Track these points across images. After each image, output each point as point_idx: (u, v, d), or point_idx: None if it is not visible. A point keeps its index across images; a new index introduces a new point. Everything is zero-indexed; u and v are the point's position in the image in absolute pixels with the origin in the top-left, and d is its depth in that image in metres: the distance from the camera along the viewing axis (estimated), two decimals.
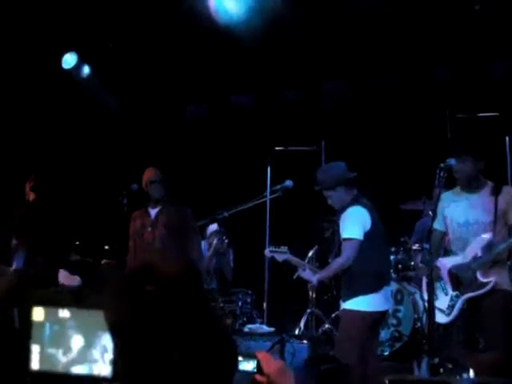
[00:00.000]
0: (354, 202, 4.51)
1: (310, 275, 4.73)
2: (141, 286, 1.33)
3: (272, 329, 5.70)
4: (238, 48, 7.21)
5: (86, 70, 8.03)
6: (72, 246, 7.25)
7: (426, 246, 4.04)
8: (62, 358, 2.22)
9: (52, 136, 8.41)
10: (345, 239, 4.45)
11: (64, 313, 2.25)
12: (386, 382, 3.34)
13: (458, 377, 4.23)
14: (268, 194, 5.60)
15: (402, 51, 7.31)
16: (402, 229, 6.68)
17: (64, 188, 7.64)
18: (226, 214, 5.19)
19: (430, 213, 4.59)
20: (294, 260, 4.90)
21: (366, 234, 4.42)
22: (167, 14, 7.08)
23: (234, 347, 1.38)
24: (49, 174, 7.03)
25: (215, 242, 6.60)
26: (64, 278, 5.42)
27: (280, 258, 4.92)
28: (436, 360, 3.89)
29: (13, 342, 2.14)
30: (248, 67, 7.75)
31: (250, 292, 6.92)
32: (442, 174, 4.06)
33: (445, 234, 4.56)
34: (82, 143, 8.59)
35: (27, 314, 2.22)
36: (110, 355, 2.18)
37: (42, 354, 2.23)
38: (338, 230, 4.56)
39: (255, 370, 1.71)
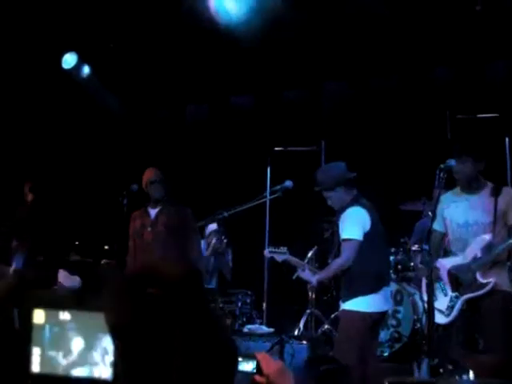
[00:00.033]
0: (354, 202, 4.50)
1: (310, 276, 4.72)
2: (142, 288, 1.33)
3: (271, 329, 5.70)
4: (238, 48, 7.20)
5: (86, 70, 8.03)
6: (72, 246, 7.26)
7: (426, 246, 4.04)
8: (63, 361, 2.22)
9: (52, 136, 8.41)
10: (344, 240, 4.44)
11: (65, 315, 2.25)
12: (386, 383, 3.34)
13: (457, 378, 4.24)
14: (268, 195, 5.59)
15: (402, 51, 7.31)
16: (402, 229, 6.67)
17: (63, 188, 7.65)
18: (225, 214, 5.18)
19: (430, 213, 4.59)
20: (294, 260, 4.90)
21: (366, 235, 4.41)
22: (167, 14, 7.08)
23: (234, 348, 1.38)
24: (47, 174, 7.03)
25: (214, 241, 6.60)
26: (64, 278, 5.42)
27: (279, 258, 4.92)
28: (435, 361, 3.88)
29: (13, 344, 2.14)
30: (248, 67, 7.74)
31: (249, 292, 6.92)
32: (441, 174, 4.06)
33: (444, 234, 4.55)
34: (81, 143, 8.59)
35: (28, 316, 2.21)
36: (110, 357, 2.18)
37: (43, 356, 2.23)
38: (337, 231, 4.56)
39: (255, 371, 1.71)
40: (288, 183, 5.23)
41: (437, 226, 4.42)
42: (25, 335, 2.20)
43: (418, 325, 6.01)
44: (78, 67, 7.94)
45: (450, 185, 4.43)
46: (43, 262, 5.76)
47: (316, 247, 6.60)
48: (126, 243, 5.62)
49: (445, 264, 4.43)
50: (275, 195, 5.33)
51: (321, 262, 6.38)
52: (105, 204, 7.57)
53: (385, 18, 6.76)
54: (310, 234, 6.99)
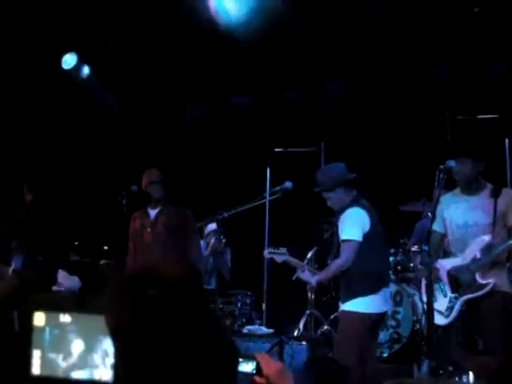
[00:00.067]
0: (353, 203, 4.50)
1: (309, 276, 4.72)
2: (142, 289, 1.33)
3: (271, 330, 5.70)
4: (238, 48, 7.20)
5: (86, 70, 8.04)
6: (71, 246, 7.26)
7: (425, 247, 4.04)
8: (62, 363, 2.22)
9: (52, 136, 8.41)
10: (343, 240, 4.44)
11: (65, 317, 2.24)
12: None
13: (457, 379, 4.24)
14: (267, 196, 5.59)
15: (402, 51, 7.31)
16: (402, 230, 6.68)
17: (63, 189, 7.65)
18: (225, 215, 5.18)
19: (430, 214, 4.59)
20: (293, 261, 4.90)
21: (365, 236, 4.41)
22: (167, 14, 7.08)
23: (234, 349, 1.38)
24: (47, 174, 7.04)
25: (213, 241, 6.61)
26: (63, 278, 5.42)
27: (279, 259, 4.92)
28: (434, 362, 3.88)
29: (13, 346, 2.13)
30: (248, 68, 7.74)
31: (249, 293, 6.92)
32: (441, 175, 4.06)
33: (444, 235, 4.55)
34: (81, 144, 8.60)
35: (28, 319, 2.21)
36: (111, 360, 2.17)
37: (43, 358, 2.22)
38: (336, 232, 4.55)
39: (254, 372, 1.70)
40: (288, 184, 5.23)
41: (436, 226, 4.42)
42: (25, 338, 2.19)
43: (418, 326, 6.01)
44: (77, 67, 7.94)
45: (450, 186, 4.44)
46: (42, 262, 5.77)
47: (315, 248, 6.60)
48: (125, 244, 5.61)
49: (444, 265, 4.43)
50: (275, 196, 5.33)
51: (320, 263, 6.38)
52: (104, 204, 7.57)
53: (385, 18, 6.76)
54: (309, 234, 6.99)
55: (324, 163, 6.95)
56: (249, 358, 1.79)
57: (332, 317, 6.19)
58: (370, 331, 4.47)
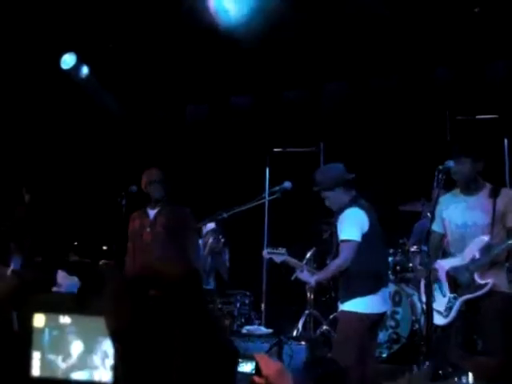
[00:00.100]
0: (352, 203, 4.49)
1: (308, 276, 4.71)
2: (142, 290, 1.32)
3: (270, 330, 5.70)
4: (238, 49, 7.20)
5: (85, 70, 8.03)
6: (70, 246, 7.27)
7: (425, 247, 4.03)
8: (62, 364, 2.22)
9: (51, 137, 8.41)
10: (342, 241, 4.43)
11: (65, 319, 2.24)
12: None
13: (456, 379, 4.23)
14: (266, 196, 5.58)
15: (402, 51, 7.31)
16: (401, 230, 6.68)
17: (62, 189, 7.65)
18: (225, 215, 5.17)
19: (429, 214, 4.59)
20: (292, 261, 4.89)
21: (364, 236, 4.40)
22: (167, 14, 7.08)
23: (234, 349, 1.38)
24: (46, 175, 7.04)
25: (211, 240, 6.61)
26: (62, 278, 5.42)
27: (278, 259, 4.91)
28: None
29: (12, 347, 2.13)
30: (248, 68, 7.74)
31: (248, 293, 6.92)
32: (440, 175, 4.06)
33: (444, 235, 4.54)
34: (80, 144, 8.60)
35: (28, 320, 2.21)
36: (110, 361, 2.17)
37: (43, 360, 2.22)
38: (335, 232, 4.55)
39: (254, 372, 1.70)
40: (287, 184, 5.22)
41: (436, 227, 4.41)
42: (25, 339, 2.19)
43: (417, 326, 6.01)
44: (76, 67, 7.94)
45: (449, 186, 4.43)
46: (41, 262, 5.77)
47: (314, 248, 6.59)
48: (124, 244, 5.61)
49: (443, 265, 4.42)
50: (274, 196, 5.32)
51: (319, 263, 6.38)
52: (104, 204, 7.57)
53: (385, 18, 6.76)
54: (308, 235, 6.99)
55: (323, 163, 6.95)
56: (248, 358, 1.79)
57: (331, 317, 6.19)
58: (369, 331, 4.46)
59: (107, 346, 2.16)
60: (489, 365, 4.11)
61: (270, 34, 6.91)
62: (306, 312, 6.50)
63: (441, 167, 4.07)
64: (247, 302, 6.80)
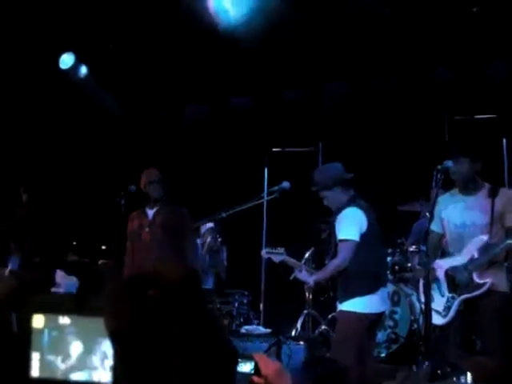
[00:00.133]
0: (351, 202, 4.49)
1: (307, 276, 4.71)
2: (142, 290, 1.32)
3: (269, 330, 5.71)
4: (238, 49, 7.20)
5: (84, 70, 8.03)
6: (69, 246, 7.27)
7: (423, 247, 4.03)
8: (61, 365, 2.21)
9: (50, 137, 8.41)
10: (341, 240, 4.43)
11: (64, 319, 2.24)
12: None
13: (455, 379, 4.23)
14: (265, 196, 5.59)
15: (401, 51, 7.30)
16: (399, 230, 6.68)
17: (61, 189, 7.65)
18: (224, 215, 5.18)
19: (428, 214, 4.59)
20: (291, 261, 4.89)
21: (362, 236, 4.40)
22: (166, 14, 7.08)
23: (233, 349, 1.38)
24: (46, 175, 7.03)
25: (209, 239, 6.62)
26: (61, 278, 5.43)
27: (276, 259, 4.91)
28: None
29: (12, 348, 2.13)
30: (247, 68, 7.74)
31: (246, 293, 6.93)
32: (439, 175, 4.06)
33: (442, 235, 4.54)
34: (79, 144, 8.60)
35: (27, 321, 2.21)
36: (110, 362, 2.17)
37: (42, 360, 2.22)
38: (334, 232, 4.55)
39: (253, 372, 1.70)
40: (285, 184, 5.22)
41: (434, 226, 4.41)
42: (24, 340, 2.19)
43: (415, 326, 6.00)
44: (75, 67, 7.94)
45: (448, 186, 4.43)
46: (40, 262, 5.76)
47: (313, 248, 6.59)
48: (123, 243, 5.61)
49: (442, 265, 4.42)
50: (272, 196, 5.32)
51: (318, 263, 6.38)
52: (102, 204, 7.57)
53: (385, 18, 6.76)
54: (307, 234, 6.99)
55: (322, 163, 6.96)
56: (247, 358, 1.79)
57: (330, 317, 6.19)
58: (368, 331, 4.46)
59: (106, 347, 2.16)
60: (487, 365, 4.10)
61: (269, 34, 6.91)
62: (305, 312, 6.50)
63: (439, 167, 4.07)
64: (246, 301, 6.80)
